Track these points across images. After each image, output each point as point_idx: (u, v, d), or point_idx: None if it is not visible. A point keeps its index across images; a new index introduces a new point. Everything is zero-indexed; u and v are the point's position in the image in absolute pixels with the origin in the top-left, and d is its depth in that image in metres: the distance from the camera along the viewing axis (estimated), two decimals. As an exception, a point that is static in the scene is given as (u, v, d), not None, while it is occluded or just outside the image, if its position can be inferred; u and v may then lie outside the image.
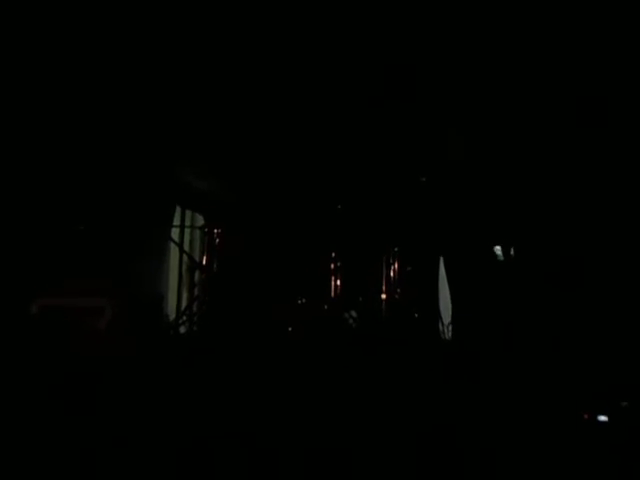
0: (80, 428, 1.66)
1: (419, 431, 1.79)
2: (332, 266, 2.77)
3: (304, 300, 2.70)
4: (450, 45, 2.49)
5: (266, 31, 2.50)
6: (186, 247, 2.95)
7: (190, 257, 2.72)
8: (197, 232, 3.11)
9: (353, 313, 2.76)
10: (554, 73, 2.43)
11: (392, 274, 2.82)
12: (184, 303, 2.83)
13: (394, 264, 2.82)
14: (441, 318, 2.85)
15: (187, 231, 3.01)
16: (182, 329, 2.72)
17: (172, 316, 2.81)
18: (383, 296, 2.83)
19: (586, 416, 2.00)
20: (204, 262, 2.97)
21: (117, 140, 2.52)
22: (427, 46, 2.51)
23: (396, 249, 2.82)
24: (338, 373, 2.22)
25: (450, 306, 2.84)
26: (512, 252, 2.44)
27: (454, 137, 2.65)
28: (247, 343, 2.44)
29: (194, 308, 2.72)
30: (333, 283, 2.75)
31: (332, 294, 2.74)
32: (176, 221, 2.85)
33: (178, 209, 2.82)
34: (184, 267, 2.88)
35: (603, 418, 1.94)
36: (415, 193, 2.81)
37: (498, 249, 2.48)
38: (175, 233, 2.85)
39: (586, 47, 2.37)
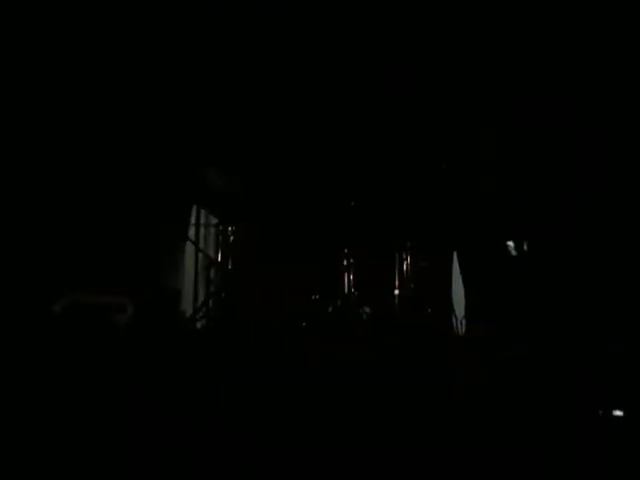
0: (89, 425, 1.70)
1: (427, 430, 1.82)
2: (345, 262, 2.79)
3: (318, 297, 2.73)
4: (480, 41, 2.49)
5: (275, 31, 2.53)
6: (201, 245, 2.99)
7: (205, 255, 2.76)
8: (212, 230, 3.16)
9: (367, 309, 2.78)
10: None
11: (405, 269, 2.83)
12: (200, 299, 2.88)
13: (407, 260, 2.83)
14: (455, 313, 2.86)
15: (202, 229, 3.05)
16: (198, 325, 2.77)
17: (189, 312, 2.86)
18: (396, 292, 2.85)
19: (600, 412, 2.01)
20: (219, 259, 3.01)
21: (135, 138, 2.57)
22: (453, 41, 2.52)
23: (409, 244, 2.83)
24: (350, 368, 2.25)
25: (463, 301, 2.85)
26: (525, 247, 2.44)
27: (484, 134, 2.65)
28: (262, 338, 2.48)
29: (210, 304, 2.76)
30: (346, 279, 2.77)
31: (345, 290, 2.77)
32: (192, 219, 2.89)
33: (194, 208, 2.86)
34: (200, 265, 2.92)
35: (618, 413, 1.94)
36: (429, 189, 2.82)
37: (511, 244, 2.48)
38: (190, 231, 2.89)
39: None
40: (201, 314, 2.77)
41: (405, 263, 2.84)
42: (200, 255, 2.85)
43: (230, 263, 2.94)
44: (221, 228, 3.06)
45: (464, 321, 2.80)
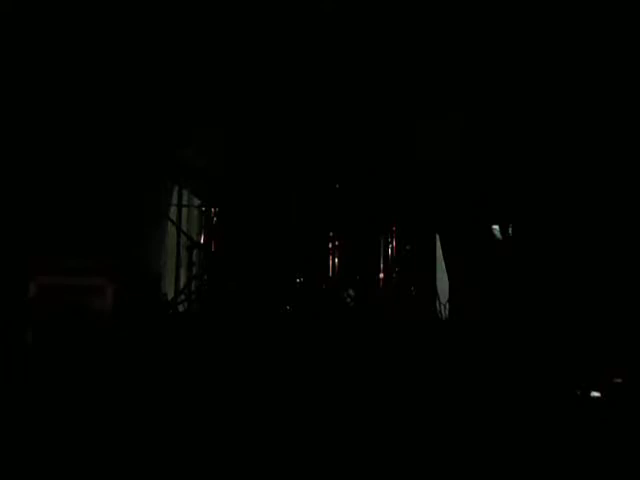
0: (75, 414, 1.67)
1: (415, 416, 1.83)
2: (330, 245, 2.78)
3: (302, 279, 2.71)
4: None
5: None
6: (183, 226, 2.94)
7: (188, 236, 2.71)
8: (194, 211, 3.11)
9: (351, 292, 2.77)
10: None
11: (390, 253, 2.83)
12: (182, 282, 2.84)
13: (392, 243, 2.83)
14: (438, 297, 2.87)
15: (184, 210, 3.00)
16: (180, 307, 2.73)
17: (170, 295, 2.82)
18: (381, 275, 2.85)
19: (578, 392, 2.04)
20: (202, 241, 2.97)
21: (117, 120, 2.50)
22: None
23: (394, 228, 2.82)
24: (334, 352, 2.25)
25: (447, 285, 2.86)
26: (510, 231, 2.45)
27: (453, 119, 2.64)
28: (245, 321, 2.46)
29: (192, 287, 2.72)
30: (331, 262, 2.76)
31: (330, 273, 2.75)
32: (173, 200, 2.84)
33: (175, 188, 2.81)
34: (182, 246, 2.88)
35: (595, 394, 1.98)
36: (413, 172, 2.80)
37: (496, 228, 2.49)
38: (172, 212, 2.84)
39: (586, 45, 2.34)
40: (183, 297, 2.73)
41: (390, 246, 2.83)
42: (182, 237, 2.80)
43: (213, 245, 2.91)
44: (204, 209, 3.02)
45: (447, 305, 2.81)
